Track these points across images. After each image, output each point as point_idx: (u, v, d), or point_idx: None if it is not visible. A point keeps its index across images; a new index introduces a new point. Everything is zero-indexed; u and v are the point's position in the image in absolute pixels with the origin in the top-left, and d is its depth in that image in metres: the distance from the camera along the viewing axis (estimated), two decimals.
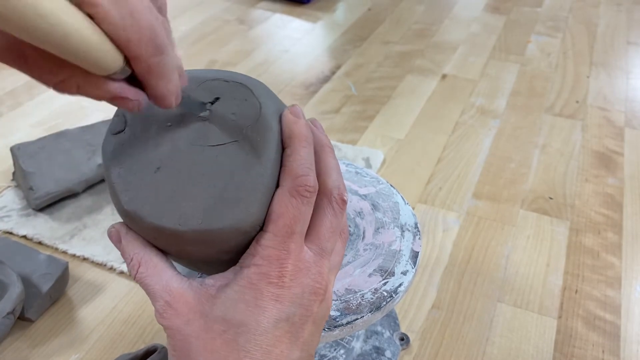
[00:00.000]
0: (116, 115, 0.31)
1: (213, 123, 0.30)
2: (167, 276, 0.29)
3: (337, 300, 0.39)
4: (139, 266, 0.29)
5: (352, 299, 0.39)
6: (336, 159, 0.32)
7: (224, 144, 0.29)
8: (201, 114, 0.30)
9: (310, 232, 0.30)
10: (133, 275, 0.29)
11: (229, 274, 0.29)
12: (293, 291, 0.28)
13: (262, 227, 0.29)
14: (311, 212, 0.29)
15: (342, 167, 0.52)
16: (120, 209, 0.29)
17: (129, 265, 0.29)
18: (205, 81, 0.32)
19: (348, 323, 0.37)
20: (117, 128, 0.31)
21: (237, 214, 0.28)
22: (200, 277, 0.30)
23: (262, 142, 0.29)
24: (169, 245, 0.29)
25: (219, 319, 0.27)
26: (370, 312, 0.38)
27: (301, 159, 0.29)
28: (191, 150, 0.29)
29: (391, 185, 0.49)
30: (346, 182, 0.49)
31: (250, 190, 0.28)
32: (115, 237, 0.30)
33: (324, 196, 0.30)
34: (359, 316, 0.38)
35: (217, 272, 0.30)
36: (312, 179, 0.29)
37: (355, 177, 0.50)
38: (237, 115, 0.30)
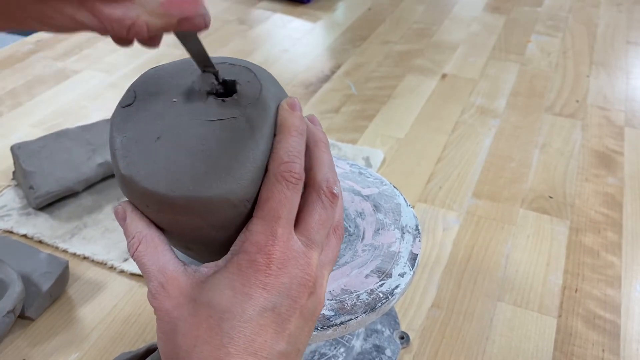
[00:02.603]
0: (127, 90, 0.33)
1: (215, 100, 0.32)
2: (165, 259, 0.29)
3: (332, 300, 0.39)
4: (139, 244, 0.29)
5: (347, 299, 0.39)
6: (330, 155, 0.32)
7: (223, 119, 0.31)
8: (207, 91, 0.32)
9: (298, 223, 0.30)
10: (132, 253, 0.29)
11: (221, 261, 0.29)
12: (281, 280, 0.28)
13: (253, 205, 0.30)
14: (298, 199, 0.30)
15: (346, 167, 0.52)
16: (118, 174, 0.30)
17: (130, 242, 0.30)
18: (215, 64, 0.34)
19: (342, 323, 0.37)
20: (126, 102, 0.33)
21: (227, 184, 0.29)
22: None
23: (258, 120, 0.31)
24: (161, 213, 0.30)
25: (205, 304, 0.28)
26: (364, 313, 0.38)
27: (289, 146, 0.30)
28: (191, 124, 0.31)
29: (394, 187, 0.49)
30: (349, 183, 0.49)
31: (241, 162, 0.29)
32: (120, 215, 0.31)
33: (313, 189, 0.31)
34: (353, 317, 0.38)
35: (211, 254, 0.30)
36: (297, 166, 0.29)
37: (359, 177, 0.50)
38: (239, 95, 0.32)
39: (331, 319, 0.37)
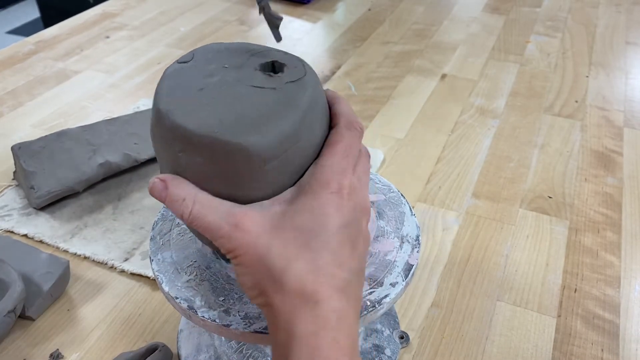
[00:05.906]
0: (188, 52, 0.38)
1: (262, 74, 0.36)
2: (228, 205, 0.32)
3: None
4: (194, 204, 0.31)
5: None
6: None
7: (264, 87, 0.35)
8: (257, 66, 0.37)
9: None
10: (186, 214, 0.31)
11: (287, 193, 0.33)
12: (350, 203, 0.32)
13: (266, 170, 0.32)
14: (360, 147, 0.35)
15: None
16: (155, 109, 0.34)
17: (182, 205, 0.31)
18: (271, 50, 0.39)
19: None
20: (184, 59, 0.37)
21: (250, 136, 0.32)
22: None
23: (296, 95, 0.34)
24: (183, 152, 0.33)
25: (289, 228, 0.31)
26: None
27: (349, 107, 0.36)
28: (235, 85, 0.35)
29: (402, 195, 0.48)
30: None
31: (270, 123, 0.32)
32: (160, 186, 0.32)
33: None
34: None
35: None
36: (361, 122, 0.35)
37: None
38: (284, 74, 0.36)
39: None
